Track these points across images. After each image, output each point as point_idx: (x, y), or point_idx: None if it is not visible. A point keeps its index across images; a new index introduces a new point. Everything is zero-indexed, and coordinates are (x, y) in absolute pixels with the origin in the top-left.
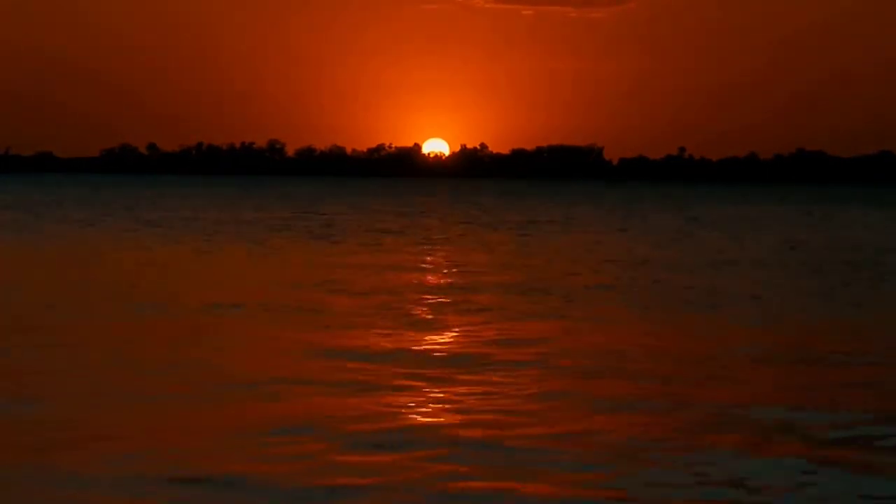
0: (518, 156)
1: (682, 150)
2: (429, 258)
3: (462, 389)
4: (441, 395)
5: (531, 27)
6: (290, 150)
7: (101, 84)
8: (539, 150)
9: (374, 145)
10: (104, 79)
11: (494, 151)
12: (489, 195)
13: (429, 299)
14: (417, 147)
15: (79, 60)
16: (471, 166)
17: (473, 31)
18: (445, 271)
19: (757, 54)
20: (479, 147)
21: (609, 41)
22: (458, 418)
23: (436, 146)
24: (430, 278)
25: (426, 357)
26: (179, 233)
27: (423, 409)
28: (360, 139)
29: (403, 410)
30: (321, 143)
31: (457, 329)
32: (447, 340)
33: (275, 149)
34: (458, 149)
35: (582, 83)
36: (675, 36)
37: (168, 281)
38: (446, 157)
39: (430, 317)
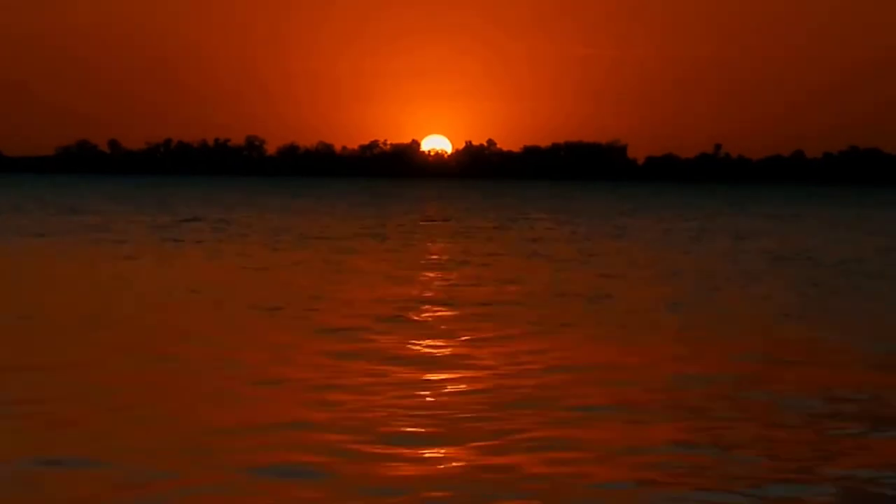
0: (530, 154)
1: (718, 147)
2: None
3: None
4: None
5: (546, 8)
6: (272, 148)
7: (57, 74)
8: (555, 148)
9: (366, 142)
10: (61, 68)
11: (504, 149)
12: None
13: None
14: (416, 144)
15: (32, 47)
16: (476, 166)
17: (480, 12)
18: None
19: (803, 39)
20: (485, 144)
21: (635, 24)
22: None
23: (436, 143)
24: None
25: None
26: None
27: None
28: (350, 135)
29: None
30: (306, 141)
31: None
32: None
33: (253, 146)
34: (461, 146)
35: (603, 71)
36: (709, 19)
37: None
38: (449, 156)
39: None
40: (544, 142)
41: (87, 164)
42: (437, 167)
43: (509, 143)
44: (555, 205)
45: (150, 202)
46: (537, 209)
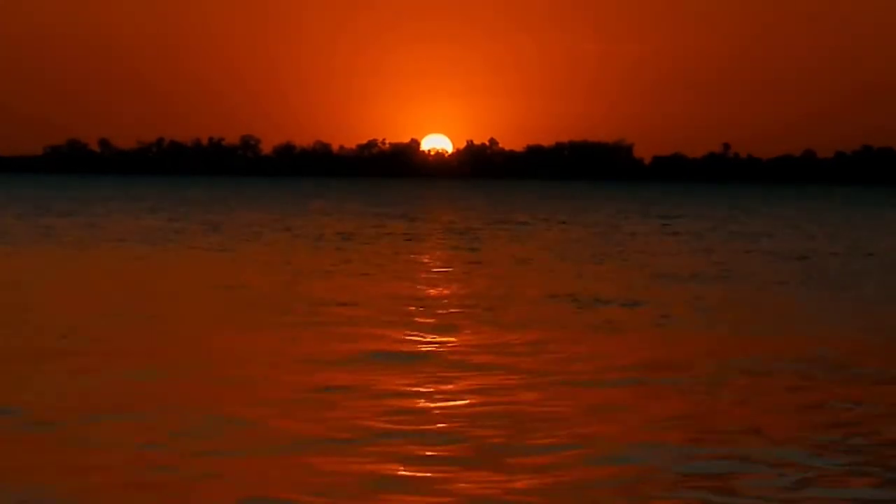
0: (534, 153)
1: (727, 146)
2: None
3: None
4: None
5: (550, 2)
6: (267, 147)
7: (45, 72)
8: (558, 147)
9: (364, 141)
10: (49, 66)
11: (506, 148)
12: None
13: None
14: (415, 143)
15: (21, 45)
16: (478, 165)
17: (482, 7)
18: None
19: (815, 35)
20: (487, 143)
21: (642, 19)
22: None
23: (437, 142)
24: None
25: None
26: None
27: None
28: (348, 134)
29: None
30: (303, 140)
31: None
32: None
33: (249, 145)
34: (463, 145)
35: (609, 68)
36: (720, 14)
37: None
38: (449, 155)
39: None
40: (548, 141)
41: (77, 163)
42: (437, 167)
43: (512, 142)
44: (576, 206)
45: (162, 203)
46: (558, 210)
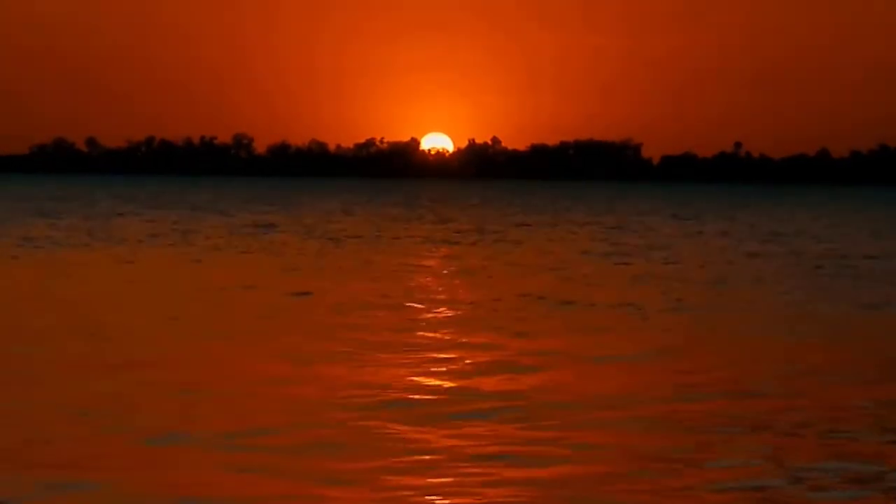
0: (537, 153)
1: (738, 145)
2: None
3: None
4: None
5: None
6: (261, 147)
7: (32, 68)
8: (563, 146)
9: (362, 140)
10: (37, 62)
11: (509, 147)
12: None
13: None
14: (415, 142)
15: (4, 42)
16: (480, 165)
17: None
18: None
19: (831, 31)
20: (490, 142)
21: (650, 13)
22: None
23: (437, 141)
24: None
25: None
26: None
27: None
28: (345, 133)
29: None
30: (298, 139)
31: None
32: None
33: (241, 144)
34: (464, 144)
35: (617, 65)
36: (728, 10)
37: None
38: (450, 154)
39: None
40: (552, 140)
41: (64, 163)
42: (437, 167)
43: (515, 141)
44: (595, 206)
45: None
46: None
